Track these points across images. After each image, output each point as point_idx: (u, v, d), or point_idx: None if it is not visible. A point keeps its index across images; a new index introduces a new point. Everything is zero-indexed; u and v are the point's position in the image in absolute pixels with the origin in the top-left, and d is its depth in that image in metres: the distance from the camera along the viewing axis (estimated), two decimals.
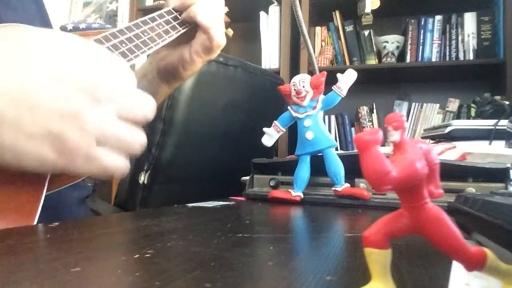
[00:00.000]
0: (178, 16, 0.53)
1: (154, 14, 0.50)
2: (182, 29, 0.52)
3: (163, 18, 0.51)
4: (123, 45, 0.42)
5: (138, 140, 0.33)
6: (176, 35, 0.51)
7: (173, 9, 0.53)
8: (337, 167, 0.50)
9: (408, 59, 1.76)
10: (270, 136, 0.54)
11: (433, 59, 1.73)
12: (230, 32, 0.65)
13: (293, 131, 0.54)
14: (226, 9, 0.60)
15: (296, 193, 0.51)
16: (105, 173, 0.31)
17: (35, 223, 0.33)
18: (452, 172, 0.47)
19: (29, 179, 0.33)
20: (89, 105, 0.29)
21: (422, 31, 1.75)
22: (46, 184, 0.34)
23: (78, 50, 0.31)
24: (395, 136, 0.14)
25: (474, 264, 0.14)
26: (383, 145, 0.86)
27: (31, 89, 0.27)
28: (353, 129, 1.88)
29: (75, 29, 2.10)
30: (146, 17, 0.48)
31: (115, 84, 0.31)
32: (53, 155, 0.28)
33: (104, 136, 0.30)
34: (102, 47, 0.34)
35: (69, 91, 0.29)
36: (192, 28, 0.53)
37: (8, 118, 0.27)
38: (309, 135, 0.51)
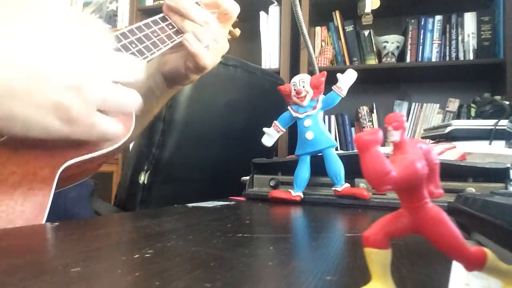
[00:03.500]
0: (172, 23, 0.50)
1: (156, 17, 0.49)
2: (178, 38, 0.50)
3: (166, 22, 0.49)
4: (133, 45, 0.42)
5: (134, 99, 0.36)
6: (178, 40, 0.49)
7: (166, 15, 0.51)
8: (337, 167, 0.50)
9: (408, 59, 1.76)
10: (270, 136, 0.54)
11: (433, 59, 1.73)
12: (238, 32, 0.65)
13: (293, 131, 0.54)
14: (238, 9, 0.57)
15: (296, 193, 0.51)
16: (104, 137, 0.35)
17: (43, 222, 0.33)
18: (452, 172, 0.47)
19: (37, 181, 0.33)
20: (91, 76, 0.32)
21: (422, 31, 1.75)
22: (54, 186, 0.34)
23: (81, 27, 0.34)
24: (395, 136, 0.14)
25: (474, 264, 0.14)
26: (383, 145, 0.86)
27: (41, 63, 0.30)
28: (353, 129, 1.88)
29: None
30: (157, 17, 0.48)
31: (106, 54, 0.35)
32: (58, 124, 0.31)
33: (104, 101, 0.34)
34: (100, 23, 0.36)
35: (71, 66, 0.31)
36: None
37: (18, 89, 0.29)
38: (309, 135, 0.51)
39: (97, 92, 0.33)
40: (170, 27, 0.50)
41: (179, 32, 0.50)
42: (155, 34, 0.47)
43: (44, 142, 0.34)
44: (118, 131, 0.36)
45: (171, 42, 0.48)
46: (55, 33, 0.32)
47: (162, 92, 0.58)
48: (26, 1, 0.32)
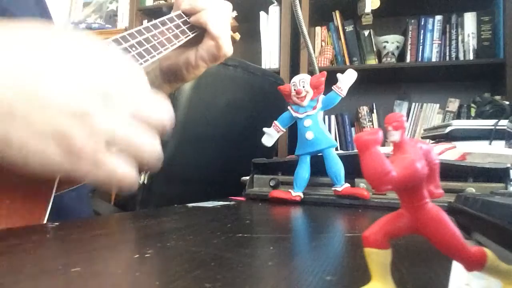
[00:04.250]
0: (187, 20, 0.53)
1: (165, 18, 0.50)
2: (192, 33, 0.52)
3: (173, 22, 0.51)
4: (133, 49, 0.42)
5: (152, 145, 0.31)
6: (185, 39, 0.51)
7: (183, 12, 0.53)
8: (337, 167, 0.50)
9: (408, 59, 1.76)
10: (270, 136, 0.54)
11: (433, 59, 1.73)
12: (238, 36, 0.66)
13: (293, 131, 0.54)
14: (234, 13, 0.60)
15: (296, 193, 0.51)
16: (111, 180, 0.30)
17: (44, 222, 0.33)
18: (452, 172, 0.47)
19: (39, 181, 0.33)
20: (100, 104, 0.28)
21: (422, 31, 1.75)
22: (55, 186, 0.34)
23: (92, 50, 0.30)
24: (395, 136, 0.14)
25: (474, 264, 0.14)
26: (383, 145, 0.86)
27: (43, 86, 0.27)
28: (353, 129, 1.88)
29: None
30: (157, 21, 0.48)
31: (128, 84, 0.30)
32: (58, 156, 0.28)
33: (115, 138, 0.29)
34: (115, 48, 0.34)
35: (80, 90, 0.28)
36: (201, 32, 0.53)
37: (19, 113, 0.26)
38: (309, 135, 0.51)
39: (107, 123, 0.28)
40: (180, 25, 0.51)
41: (193, 27, 0.53)
42: (170, 31, 0.49)
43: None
44: (129, 176, 0.30)
45: (185, 37, 0.51)
46: (61, 54, 0.29)
47: (158, 90, 0.58)
48: (31, 26, 0.29)
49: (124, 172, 0.30)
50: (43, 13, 0.52)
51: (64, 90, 0.27)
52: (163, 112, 0.32)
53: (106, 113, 0.28)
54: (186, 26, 0.52)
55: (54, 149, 0.27)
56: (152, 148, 0.31)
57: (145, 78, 0.32)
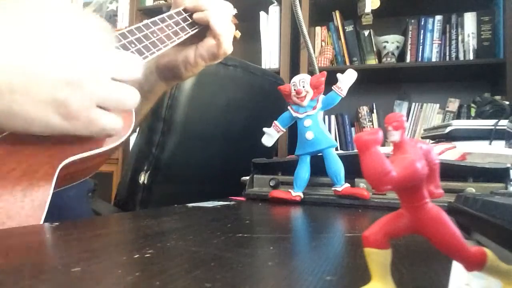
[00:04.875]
0: (187, 17, 0.53)
1: (164, 15, 0.50)
2: (191, 30, 0.52)
3: (173, 19, 0.51)
4: (133, 45, 0.42)
5: (133, 96, 0.37)
6: (185, 37, 0.51)
7: (183, 10, 0.53)
8: (337, 167, 0.50)
9: (408, 59, 1.76)
10: (270, 136, 0.54)
11: (433, 59, 1.73)
12: (238, 34, 0.66)
13: (293, 131, 0.54)
14: (235, 11, 0.60)
15: (296, 193, 0.51)
16: (103, 133, 0.35)
17: (41, 221, 0.33)
18: (452, 172, 0.47)
19: (37, 178, 0.33)
20: (89, 73, 0.33)
21: (422, 31, 1.75)
22: (54, 183, 0.34)
23: (74, 24, 0.34)
24: (395, 136, 0.14)
25: (474, 264, 0.14)
26: (383, 145, 0.86)
27: (38, 60, 0.31)
28: (353, 129, 1.88)
29: None
30: (156, 18, 0.48)
31: (104, 51, 0.35)
32: (58, 119, 0.32)
33: (103, 98, 0.34)
34: (92, 22, 0.37)
35: (72, 61, 0.32)
36: (200, 30, 0.53)
37: (17, 86, 0.30)
38: (309, 135, 0.51)
39: (96, 88, 0.33)
40: (180, 22, 0.52)
41: (194, 24, 0.53)
42: (170, 27, 0.49)
43: (44, 138, 0.34)
44: (118, 126, 0.36)
45: (185, 34, 0.51)
46: (53, 29, 0.32)
47: (153, 87, 0.59)
48: (25, 4, 0.32)
49: (112, 123, 0.35)
50: None
51: (58, 62, 0.31)
52: (132, 66, 0.37)
53: (93, 79, 0.33)
54: (186, 23, 0.52)
55: (53, 115, 0.32)
56: (131, 98, 0.37)
57: (112, 38, 0.37)
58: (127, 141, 0.44)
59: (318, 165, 0.51)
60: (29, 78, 0.30)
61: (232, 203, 0.51)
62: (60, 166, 0.35)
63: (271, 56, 1.84)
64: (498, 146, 0.81)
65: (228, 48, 0.54)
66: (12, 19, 0.31)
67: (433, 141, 0.99)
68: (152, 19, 0.48)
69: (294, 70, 1.75)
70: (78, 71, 0.32)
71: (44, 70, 0.31)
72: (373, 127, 1.85)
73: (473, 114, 1.26)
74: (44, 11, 0.33)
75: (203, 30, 0.53)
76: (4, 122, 0.31)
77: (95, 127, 0.34)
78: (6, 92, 0.29)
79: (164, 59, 0.56)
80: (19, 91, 0.30)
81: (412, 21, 1.78)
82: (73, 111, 0.32)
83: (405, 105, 1.88)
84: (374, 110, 1.86)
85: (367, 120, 1.86)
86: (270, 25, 1.85)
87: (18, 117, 0.31)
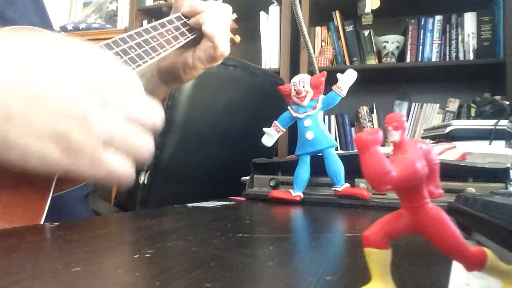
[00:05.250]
0: (187, 22, 0.53)
1: (164, 20, 0.50)
2: (191, 35, 0.53)
3: (173, 24, 0.51)
4: (132, 50, 0.42)
5: (146, 145, 0.33)
6: (184, 41, 0.51)
7: (182, 14, 0.53)
8: (337, 167, 0.50)
9: (408, 59, 1.76)
10: (270, 136, 0.54)
11: (433, 59, 1.73)
12: (238, 38, 0.66)
13: (293, 131, 0.54)
14: (234, 16, 0.60)
15: (296, 193, 0.51)
16: (110, 178, 0.31)
17: (42, 221, 0.33)
18: (452, 172, 0.47)
19: (36, 181, 0.33)
20: (98, 107, 0.29)
21: (422, 31, 1.75)
22: (53, 186, 0.34)
23: (88, 55, 0.31)
24: (395, 136, 0.14)
25: (474, 264, 0.14)
26: (383, 145, 0.86)
27: (41, 88, 0.28)
28: (353, 129, 1.88)
29: (75, 29, 2.10)
30: (156, 23, 0.49)
31: (124, 88, 0.32)
32: (58, 155, 0.28)
33: (112, 138, 0.30)
34: (110, 54, 0.35)
35: (78, 92, 0.29)
36: (200, 34, 0.54)
37: (16, 114, 0.27)
38: (309, 135, 0.51)
39: (104, 124, 0.30)
40: (180, 27, 0.52)
41: (192, 29, 0.53)
42: (169, 32, 0.49)
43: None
44: (128, 172, 0.32)
45: (185, 39, 0.51)
46: (62, 56, 0.30)
47: (154, 90, 0.59)
48: (29, 32, 0.31)
49: (121, 169, 0.31)
50: (41, 15, 0.52)
51: (62, 92, 0.28)
52: (154, 113, 0.34)
53: (102, 114, 0.29)
54: (186, 28, 0.52)
55: (53, 149, 0.28)
56: (146, 146, 0.33)
57: (138, 81, 0.33)
58: None
59: (318, 165, 0.51)
60: (30, 105, 0.27)
61: (232, 203, 0.51)
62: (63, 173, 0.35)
63: (271, 56, 1.84)
64: (498, 146, 0.81)
65: (224, 49, 0.54)
66: (18, 45, 0.29)
67: (433, 141, 0.99)
68: (152, 24, 0.48)
69: (294, 70, 1.75)
70: (85, 103, 0.29)
71: (48, 98, 0.28)
72: (373, 127, 1.85)
73: (473, 114, 1.26)
74: (54, 38, 0.31)
75: (202, 34, 0.53)
76: None
77: (100, 168, 0.30)
78: (3, 120, 0.27)
79: (165, 62, 0.57)
80: (17, 119, 0.27)
81: (412, 21, 1.78)
82: (75, 146, 0.28)
83: (405, 105, 1.88)
84: (374, 110, 1.86)
85: (367, 120, 1.86)
86: (270, 25, 1.85)
87: (14, 147, 0.27)
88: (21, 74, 0.28)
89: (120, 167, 0.31)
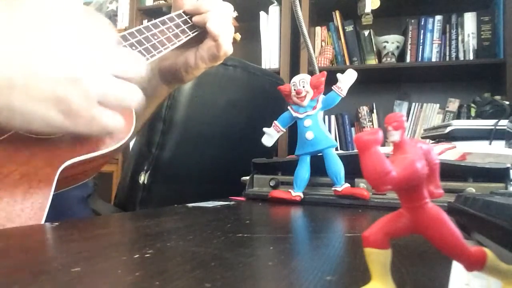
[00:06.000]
0: (188, 19, 0.53)
1: (165, 17, 0.50)
2: (192, 33, 0.52)
3: (173, 22, 0.51)
4: (133, 48, 0.42)
5: (135, 95, 0.36)
6: (185, 39, 0.51)
7: (184, 12, 0.53)
8: (337, 167, 0.50)
9: (408, 59, 1.76)
10: (270, 136, 0.54)
11: (433, 59, 1.73)
12: (238, 36, 0.66)
13: (293, 131, 0.54)
14: (235, 14, 0.60)
15: (296, 193, 0.51)
16: (104, 131, 0.35)
17: (42, 223, 0.33)
18: (452, 172, 0.47)
19: (38, 180, 0.33)
20: (89, 70, 0.32)
21: (422, 31, 1.75)
22: (54, 185, 0.34)
23: (76, 20, 0.34)
24: (395, 136, 0.14)
25: (474, 264, 0.14)
26: (383, 145, 0.86)
27: (38, 57, 0.31)
28: (353, 129, 1.88)
29: None
30: (157, 20, 0.48)
31: (108, 49, 0.35)
32: (59, 117, 0.32)
33: (105, 95, 0.34)
34: (91, 18, 0.36)
35: (70, 60, 0.32)
36: (201, 33, 0.53)
37: (18, 84, 0.30)
38: (309, 135, 0.51)
39: (97, 85, 0.33)
40: (180, 25, 0.51)
41: (194, 27, 0.53)
42: (170, 30, 0.49)
43: (44, 141, 0.34)
44: (119, 125, 0.36)
45: (186, 37, 0.51)
46: (54, 26, 0.32)
47: (155, 90, 0.59)
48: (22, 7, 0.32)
49: (114, 121, 0.35)
50: None
51: (57, 60, 0.31)
52: (137, 64, 0.37)
53: (94, 76, 0.33)
54: (187, 25, 0.52)
55: (54, 112, 0.31)
56: (135, 96, 0.36)
57: (114, 36, 0.37)
58: (127, 143, 0.44)
59: (318, 165, 0.51)
60: (29, 75, 0.30)
61: (232, 203, 0.51)
62: (61, 168, 0.35)
63: (271, 56, 1.84)
64: (498, 146, 0.81)
65: (228, 49, 0.54)
66: (13, 17, 0.31)
67: (433, 141, 0.99)
68: (153, 21, 0.48)
69: (294, 70, 1.75)
70: (79, 68, 0.32)
71: (45, 67, 0.31)
72: (373, 127, 1.85)
73: (473, 114, 1.26)
74: (46, 8, 0.33)
75: (204, 32, 0.53)
76: (4, 120, 0.31)
77: (96, 125, 0.34)
78: (6, 88, 0.29)
79: (166, 62, 0.56)
80: (19, 88, 0.30)
81: (412, 21, 1.78)
82: (74, 108, 0.32)
83: (405, 105, 1.88)
84: (374, 110, 1.86)
85: (367, 120, 1.86)
86: (270, 25, 1.85)
87: (17, 114, 0.30)
88: (19, 45, 0.30)
89: (113, 120, 0.35)
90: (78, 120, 0.32)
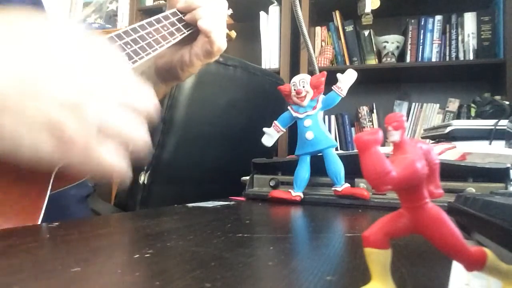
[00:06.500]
0: (182, 17, 0.53)
1: (159, 16, 0.50)
2: (187, 31, 0.52)
3: (168, 20, 0.51)
4: (128, 46, 0.42)
5: (140, 133, 0.32)
6: (180, 37, 0.51)
7: (177, 10, 0.53)
8: (337, 167, 0.50)
9: (408, 59, 1.76)
10: (270, 136, 0.54)
11: (433, 59, 1.73)
12: (234, 34, 0.65)
13: (293, 131, 0.54)
14: (230, 11, 0.60)
15: (296, 193, 0.51)
16: (103, 170, 0.30)
17: (39, 222, 0.33)
18: (452, 172, 0.47)
19: (34, 179, 0.33)
20: (90, 96, 0.29)
21: (422, 31, 1.75)
22: (50, 184, 0.34)
23: (81, 43, 0.31)
24: (395, 136, 0.14)
25: (474, 264, 0.14)
26: (383, 145, 0.86)
27: (35, 78, 0.28)
28: (353, 129, 1.88)
29: None
30: (151, 19, 0.48)
31: (115, 75, 0.32)
32: (50, 145, 0.28)
33: (105, 126, 0.30)
34: (100, 40, 0.34)
35: (71, 82, 0.29)
36: (196, 30, 0.53)
37: (11, 104, 0.27)
38: (309, 135, 0.51)
39: (97, 112, 0.29)
40: (175, 23, 0.51)
41: (188, 25, 0.53)
42: (165, 28, 0.49)
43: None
44: (122, 166, 0.31)
45: (181, 35, 0.51)
46: (54, 46, 0.30)
47: (153, 89, 0.59)
48: (25, 16, 0.30)
49: (115, 160, 0.30)
50: (36, 2, 0.52)
51: (55, 82, 0.28)
52: (148, 99, 0.33)
53: (95, 103, 0.29)
54: (181, 24, 0.52)
55: (46, 139, 0.28)
56: (140, 134, 0.32)
57: (130, 67, 0.34)
58: None
59: (318, 165, 0.51)
60: (22, 95, 0.27)
61: (232, 203, 0.51)
62: (57, 167, 0.35)
63: (271, 56, 1.84)
64: (498, 146, 0.81)
65: (221, 44, 0.53)
66: (12, 34, 0.29)
67: (433, 141, 0.99)
68: (147, 20, 0.48)
69: (294, 70, 1.75)
70: (77, 92, 0.29)
71: (42, 88, 0.28)
72: (373, 127, 1.85)
73: (473, 114, 1.26)
74: (47, 27, 0.31)
75: (198, 29, 0.53)
76: None
77: (93, 160, 0.29)
78: None
79: (162, 60, 0.56)
80: (11, 109, 0.27)
81: (412, 21, 1.78)
82: (68, 136, 0.28)
83: (405, 105, 1.88)
84: (374, 110, 1.86)
85: (367, 120, 1.86)
86: (270, 25, 1.85)
87: (6, 137, 0.27)
88: (13, 65, 0.28)
89: (113, 159, 0.30)
90: (72, 149, 0.28)
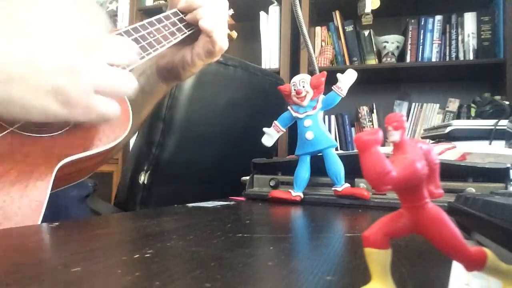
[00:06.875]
0: (183, 17, 0.53)
1: (161, 15, 0.50)
2: (188, 31, 0.52)
3: (169, 20, 0.51)
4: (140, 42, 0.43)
5: (130, 82, 0.38)
6: (182, 37, 0.51)
7: (178, 10, 0.53)
8: (337, 167, 0.50)
9: (408, 59, 1.76)
10: (270, 136, 0.54)
11: (433, 59, 1.73)
12: (234, 34, 0.65)
13: (293, 131, 0.54)
14: (231, 12, 0.60)
15: (296, 193, 0.51)
16: (102, 118, 0.36)
17: (39, 222, 0.33)
18: (452, 172, 0.47)
19: (33, 179, 0.33)
20: (84, 60, 0.34)
21: (422, 31, 1.75)
22: (51, 183, 0.34)
23: (78, 14, 0.37)
24: (395, 136, 0.14)
25: (474, 264, 0.14)
26: (383, 145, 0.86)
27: (35, 50, 0.32)
28: (353, 129, 1.88)
29: None
30: (152, 18, 0.48)
31: (100, 40, 0.37)
32: (57, 106, 0.33)
33: (100, 84, 0.35)
34: (82, 19, 0.38)
35: (66, 52, 0.33)
36: (197, 30, 0.53)
37: (16, 76, 0.31)
38: (309, 135, 0.51)
39: (93, 74, 0.34)
40: (176, 23, 0.51)
41: (189, 25, 0.53)
42: (166, 28, 0.49)
43: (41, 139, 0.35)
44: (116, 111, 0.37)
45: (182, 35, 0.51)
46: (50, 18, 0.34)
47: (153, 88, 0.59)
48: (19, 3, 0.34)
49: (110, 109, 0.36)
50: None
51: (54, 52, 0.33)
52: (129, 52, 0.39)
53: (90, 66, 0.34)
54: (183, 24, 0.52)
55: (52, 102, 0.33)
56: (129, 82, 0.37)
57: (111, 28, 0.40)
58: (126, 142, 0.44)
59: (318, 165, 0.51)
60: (27, 67, 0.31)
61: (232, 203, 0.51)
62: (58, 166, 0.35)
63: (271, 56, 1.84)
64: (498, 146, 0.81)
65: (223, 44, 0.53)
66: (9, 12, 0.32)
67: (433, 141, 0.99)
68: (149, 19, 0.48)
69: (294, 70, 1.75)
70: (74, 58, 0.33)
71: (42, 59, 0.32)
72: (373, 127, 1.85)
73: (473, 114, 1.26)
74: (42, 5, 0.34)
75: (199, 29, 0.53)
76: (3, 110, 0.32)
77: (94, 113, 0.35)
78: (5, 82, 0.31)
79: (163, 60, 0.56)
80: (17, 80, 0.31)
81: (412, 21, 1.78)
82: (71, 98, 0.33)
83: (405, 105, 1.88)
84: (374, 110, 1.86)
85: (367, 120, 1.86)
86: (270, 25, 1.85)
87: (17, 105, 0.32)
88: (16, 39, 0.32)
89: (109, 108, 0.36)
90: (76, 109, 0.34)
